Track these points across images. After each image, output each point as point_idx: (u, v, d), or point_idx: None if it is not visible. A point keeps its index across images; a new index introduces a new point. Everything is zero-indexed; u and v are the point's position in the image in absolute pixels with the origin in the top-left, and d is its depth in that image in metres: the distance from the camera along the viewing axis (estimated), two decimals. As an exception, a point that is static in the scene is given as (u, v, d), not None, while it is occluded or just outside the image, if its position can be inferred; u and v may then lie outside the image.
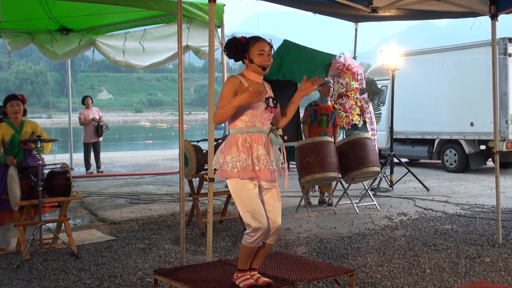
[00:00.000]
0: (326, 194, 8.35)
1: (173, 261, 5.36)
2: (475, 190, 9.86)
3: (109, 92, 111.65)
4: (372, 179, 8.92)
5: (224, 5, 8.84)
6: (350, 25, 9.94)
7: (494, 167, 6.07)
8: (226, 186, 4.88)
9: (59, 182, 5.75)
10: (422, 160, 14.50)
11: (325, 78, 8.67)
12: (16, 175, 5.48)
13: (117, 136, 35.09)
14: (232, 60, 3.81)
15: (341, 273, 3.98)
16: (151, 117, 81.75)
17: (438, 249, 5.67)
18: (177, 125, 5.12)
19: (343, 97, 9.96)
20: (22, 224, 5.60)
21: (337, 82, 10.03)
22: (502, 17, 6.10)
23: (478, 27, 6.75)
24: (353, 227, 6.86)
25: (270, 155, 3.62)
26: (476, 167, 12.62)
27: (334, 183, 8.30)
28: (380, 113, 11.26)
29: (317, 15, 8.16)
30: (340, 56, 10.11)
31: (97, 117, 12.37)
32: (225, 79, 5.14)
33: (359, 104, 10.04)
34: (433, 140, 13.25)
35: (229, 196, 6.99)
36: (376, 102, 10.84)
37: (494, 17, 5.94)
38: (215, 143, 4.75)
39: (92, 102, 12.71)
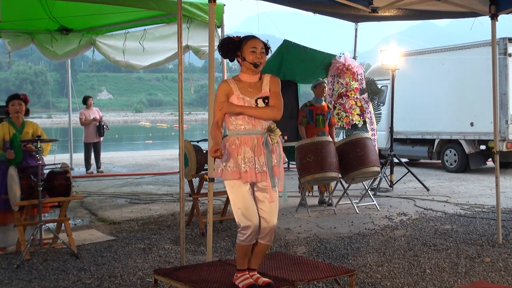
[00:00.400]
0: (325, 194, 8.36)
1: (173, 261, 5.36)
2: (475, 190, 9.86)
3: (109, 92, 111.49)
4: (372, 179, 8.92)
5: (224, 5, 8.83)
6: (350, 25, 9.94)
7: (494, 167, 6.08)
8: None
9: (59, 182, 5.76)
10: (422, 160, 14.49)
11: (319, 79, 8.70)
12: (16, 175, 5.49)
13: (117, 136, 35.04)
14: (232, 60, 3.83)
15: (341, 273, 3.99)
16: (151, 117, 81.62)
17: (438, 249, 5.67)
18: (177, 125, 5.13)
19: (343, 97, 9.94)
20: (22, 224, 5.60)
21: (337, 82, 10.01)
22: (502, 17, 6.10)
23: (478, 27, 6.75)
24: (353, 227, 6.86)
25: (259, 157, 3.63)
26: (476, 167, 12.61)
27: (334, 183, 8.30)
28: (380, 113, 11.23)
29: (317, 15, 8.15)
30: (340, 56, 10.10)
31: (98, 117, 12.39)
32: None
33: (359, 104, 10.01)
34: (433, 140, 13.25)
35: (229, 196, 6.98)
36: (376, 102, 10.81)
37: (494, 17, 5.94)
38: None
39: (93, 103, 12.74)
